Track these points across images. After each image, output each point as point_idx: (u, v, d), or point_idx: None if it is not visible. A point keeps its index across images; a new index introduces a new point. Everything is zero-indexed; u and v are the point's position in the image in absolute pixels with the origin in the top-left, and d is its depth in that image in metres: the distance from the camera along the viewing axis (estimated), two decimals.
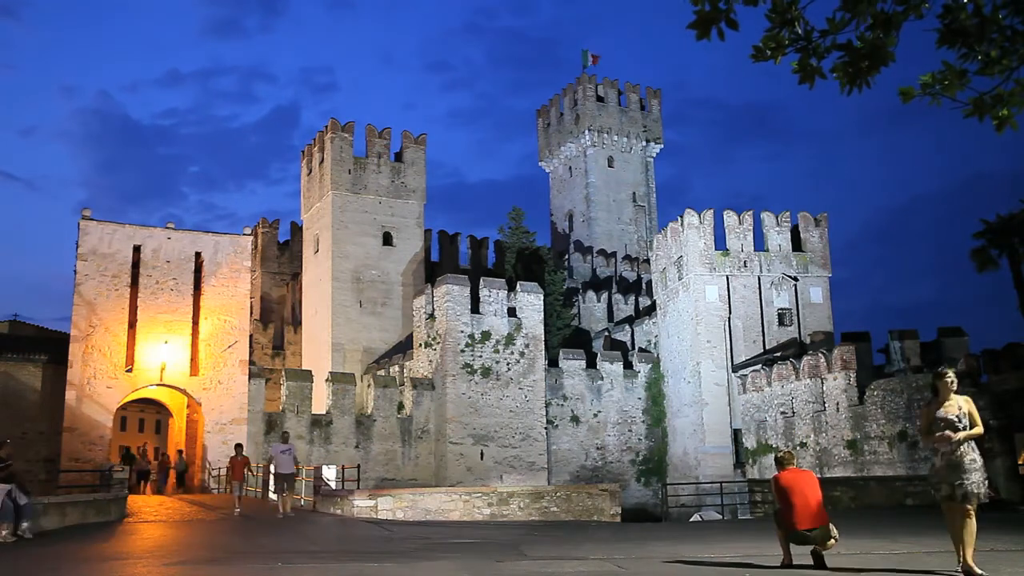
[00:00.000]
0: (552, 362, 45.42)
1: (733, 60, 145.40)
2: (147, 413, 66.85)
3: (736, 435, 41.80)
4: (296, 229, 63.24)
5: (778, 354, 41.05)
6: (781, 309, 43.28)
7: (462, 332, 41.61)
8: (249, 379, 37.95)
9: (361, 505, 20.97)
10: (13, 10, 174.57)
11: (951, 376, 8.71)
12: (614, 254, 65.14)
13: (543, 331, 43.95)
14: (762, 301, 43.13)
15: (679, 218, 44.93)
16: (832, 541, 9.82)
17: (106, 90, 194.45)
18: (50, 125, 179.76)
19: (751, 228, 44.09)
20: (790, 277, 43.42)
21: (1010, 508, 21.85)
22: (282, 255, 63.44)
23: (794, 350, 40.81)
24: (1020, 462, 28.30)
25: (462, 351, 41.43)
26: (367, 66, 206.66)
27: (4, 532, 14.33)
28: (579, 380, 45.54)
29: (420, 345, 43.81)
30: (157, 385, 37.27)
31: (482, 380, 41.56)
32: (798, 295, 43.41)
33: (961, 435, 8.43)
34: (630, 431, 46.07)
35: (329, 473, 32.23)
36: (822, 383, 36.38)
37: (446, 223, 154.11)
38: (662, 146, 71.08)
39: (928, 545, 12.15)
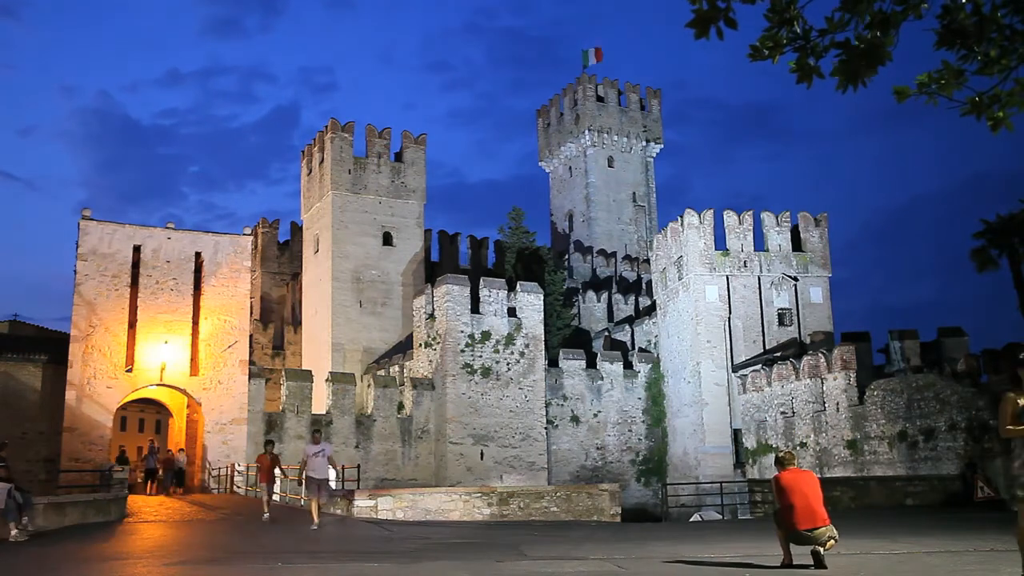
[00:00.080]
0: (552, 362, 45.43)
1: (733, 60, 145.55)
2: (147, 413, 66.89)
3: (736, 435, 41.80)
4: (296, 229, 63.26)
5: (778, 354, 41.04)
6: (781, 309, 43.28)
7: (462, 332, 41.61)
8: (249, 379, 37.97)
9: (361, 505, 20.98)
10: (13, 10, 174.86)
11: None
12: (614, 254, 65.14)
13: (543, 331, 43.94)
14: (762, 301, 43.13)
15: (679, 218, 44.93)
16: (832, 541, 9.82)
17: (106, 90, 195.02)
18: (50, 125, 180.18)
19: (751, 228, 44.10)
20: (790, 277, 43.41)
21: (1010, 508, 21.83)
22: (282, 255, 63.46)
23: (794, 350, 40.80)
24: None
25: (462, 351, 41.43)
26: (367, 66, 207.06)
27: (14, 531, 14.34)
28: (579, 380, 45.54)
29: (420, 345, 43.82)
30: (157, 385, 37.28)
31: (482, 380, 41.56)
32: (798, 295, 43.41)
33: None
34: (630, 431, 46.07)
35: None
36: (822, 383, 36.38)
37: (446, 223, 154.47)
38: (662, 146, 71.08)
39: (928, 545, 12.16)
